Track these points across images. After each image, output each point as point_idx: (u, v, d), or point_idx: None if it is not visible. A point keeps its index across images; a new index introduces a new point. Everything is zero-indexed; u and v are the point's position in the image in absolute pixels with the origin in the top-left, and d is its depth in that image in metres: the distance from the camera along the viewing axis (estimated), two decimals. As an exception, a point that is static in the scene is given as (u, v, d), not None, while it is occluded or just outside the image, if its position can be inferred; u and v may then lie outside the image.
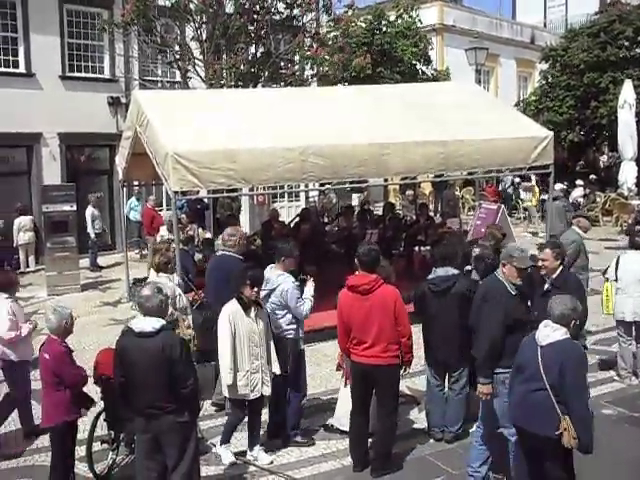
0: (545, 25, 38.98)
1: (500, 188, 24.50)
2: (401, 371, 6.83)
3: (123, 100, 18.90)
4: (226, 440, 7.11)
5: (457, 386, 7.35)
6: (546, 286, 7.11)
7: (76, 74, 18.82)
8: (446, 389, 7.46)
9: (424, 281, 7.47)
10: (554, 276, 7.09)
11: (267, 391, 6.93)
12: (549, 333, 5.26)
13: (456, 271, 7.31)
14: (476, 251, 8.38)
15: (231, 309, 6.82)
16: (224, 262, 8.52)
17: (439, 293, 7.20)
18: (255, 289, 6.86)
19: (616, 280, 8.90)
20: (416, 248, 14.60)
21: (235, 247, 8.73)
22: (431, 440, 7.43)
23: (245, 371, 6.71)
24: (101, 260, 17.57)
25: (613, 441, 7.18)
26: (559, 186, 19.60)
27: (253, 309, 6.85)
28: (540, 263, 7.17)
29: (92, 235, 16.87)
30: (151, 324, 5.47)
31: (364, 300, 6.59)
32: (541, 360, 5.18)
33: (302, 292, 7.44)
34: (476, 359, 6.39)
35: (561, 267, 7.16)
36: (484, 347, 6.13)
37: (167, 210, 17.48)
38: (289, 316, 7.29)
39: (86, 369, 6.82)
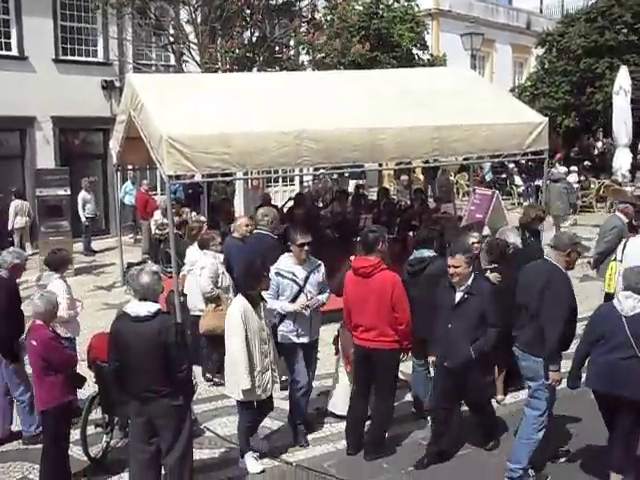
0: (541, 11, 38.83)
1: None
2: (401, 356, 6.86)
3: (117, 84, 18.79)
4: (246, 448, 6.72)
5: None
6: (458, 296, 6.46)
7: (69, 57, 18.68)
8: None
9: (406, 264, 7.63)
10: (468, 283, 6.44)
11: (277, 389, 6.77)
12: (635, 304, 5.74)
13: (432, 253, 7.46)
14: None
15: (241, 306, 6.39)
16: (260, 241, 8.66)
17: (414, 274, 7.37)
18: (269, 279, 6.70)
19: (621, 261, 8.92)
20: (410, 233, 14.58)
21: (268, 226, 9.00)
22: (424, 424, 7.47)
23: (257, 371, 6.39)
24: (95, 244, 17.56)
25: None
26: (562, 169, 19.69)
27: (262, 304, 6.63)
28: (451, 270, 6.40)
29: (83, 219, 16.82)
30: (146, 308, 5.48)
31: (364, 283, 6.65)
32: (629, 330, 5.67)
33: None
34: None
35: (473, 274, 6.54)
36: (556, 335, 6.05)
37: (161, 194, 17.43)
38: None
39: (79, 353, 6.85)
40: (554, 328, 6.05)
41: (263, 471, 6.61)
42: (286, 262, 7.13)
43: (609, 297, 9.05)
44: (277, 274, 6.98)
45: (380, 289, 6.58)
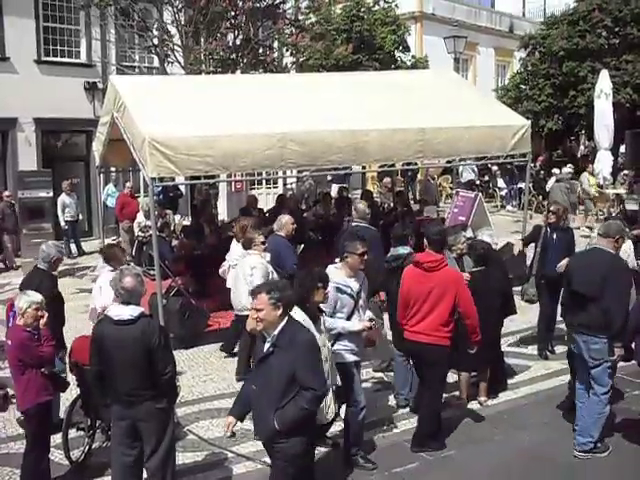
0: (524, 14, 39.08)
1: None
2: (470, 350, 6.99)
3: (100, 85, 18.74)
4: None
5: None
6: (266, 346, 5.05)
7: (52, 58, 18.61)
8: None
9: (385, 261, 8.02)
10: (275, 333, 4.97)
11: (337, 409, 6.01)
12: None
13: (407, 250, 7.81)
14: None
15: (303, 320, 5.42)
16: (361, 232, 8.70)
17: (392, 270, 7.72)
18: (326, 291, 5.97)
19: None
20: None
21: (367, 219, 9.77)
22: (407, 426, 7.49)
23: None
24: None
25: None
26: (566, 170, 19.91)
27: (321, 318, 5.96)
28: (254, 315, 5.03)
29: (62, 223, 16.68)
30: (129, 312, 5.45)
31: (427, 277, 6.81)
32: None
33: None
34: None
35: (285, 320, 5.03)
36: (622, 314, 6.50)
37: (144, 196, 17.37)
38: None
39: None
40: (620, 308, 6.49)
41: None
42: (339, 275, 6.59)
43: None
44: (337, 289, 6.44)
45: (443, 284, 6.75)
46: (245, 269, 8.58)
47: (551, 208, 9.97)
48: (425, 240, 7.12)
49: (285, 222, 9.62)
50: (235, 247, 9.76)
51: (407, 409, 7.89)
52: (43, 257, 7.51)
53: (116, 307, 5.61)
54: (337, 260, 7.02)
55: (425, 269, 6.83)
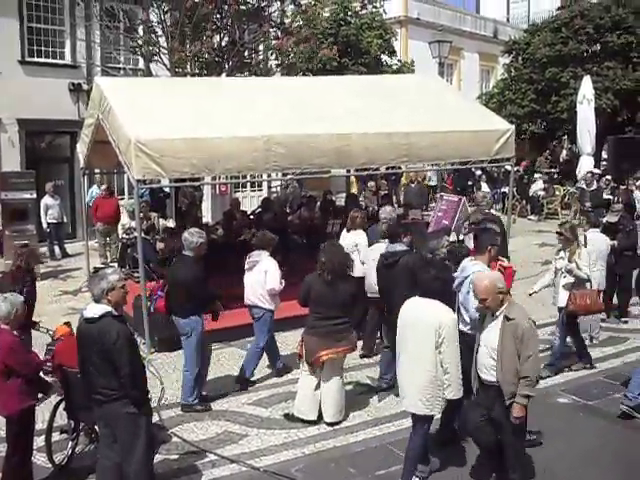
0: (508, 20, 39.34)
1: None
2: None
3: (85, 87, 18.62)
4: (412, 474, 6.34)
5: None
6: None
7: (36, 59, 18.47)
8: None
9: (381, 256, 8.29)
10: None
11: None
12: None
13: (403, 247, 8.12)
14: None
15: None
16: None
17: (388, 265, 8.02)
18: None
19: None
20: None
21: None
22: (391, 429, 7.53)
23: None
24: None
25: (567, 430, 7.37)
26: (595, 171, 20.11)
27: None
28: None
29: (44, 225, 16.56)
30: (94, 310, 5.48)
31: None
32: None
33: None
34: None
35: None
36: None
37: (129, 199, 17.30)
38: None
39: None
40: None
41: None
42: (482, 266, 6.97)
43: None
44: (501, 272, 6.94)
45: None
46: (376, 255, 8.74)
47: None
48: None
49: (357, 217, 10.46)
50: (345, 237, 10.29)
51: (391, 411, 7.92)
52: (187, 245, 8.01)
53: (89, 305, 5.66)
54: None
55: None
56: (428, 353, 5.95)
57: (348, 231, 10.42)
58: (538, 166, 27.63)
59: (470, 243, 8.52)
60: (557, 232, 9.13)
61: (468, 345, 6.26)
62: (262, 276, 8.53)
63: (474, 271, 6.76)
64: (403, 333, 6.25)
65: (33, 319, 8.26)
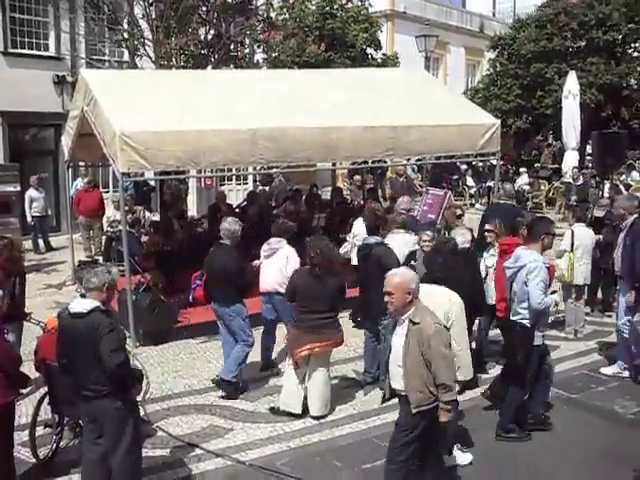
0: (494, 15, 39.42)
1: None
2: None
3: (69, 79, 18.49)
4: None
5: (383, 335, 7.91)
6: None
7: (19, 50, 18.31)
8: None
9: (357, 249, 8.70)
10: None
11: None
12: None
13: (375, 240, 8.33)
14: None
15: None
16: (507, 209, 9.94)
17: (362, 257, 8.33)
18: None
19: (572, 251, 10.05)
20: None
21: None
22: (377, 422, 7.54)
23: None
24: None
25: (552, 423, 7.41)
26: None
27: None
28: None
29: (29, 218, 16.44)
30: (82, 305, 5.42)
31: (504, 259, 7.52)
32: None
33: None
34: None
35: None
36: None
37: (114, 192, 17.21)
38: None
39: (29, 352, 6.72)
40: None
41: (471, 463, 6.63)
42: (538, 255, 6.91)
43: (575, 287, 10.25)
44: (547, 269, 6.85)
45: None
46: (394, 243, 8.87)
47: None
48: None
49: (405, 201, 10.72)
50: (358, 227, 10.31)
51: (377, 404, 7.94)
52: (226, 234, 8.31)
53: (75, 300, 5.59)
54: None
55: (504, 252, 7.63)
56: None
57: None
58: (543, 161, 27.86)
59: (461, 237, 8.48)
60: (486, 230, 9.05)
61: (520, 335, 6.72)
62: (283, 262, 8.59)
63: (531, 260, 6.74)
64: None
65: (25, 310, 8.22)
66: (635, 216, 8.73)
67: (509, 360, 7.22)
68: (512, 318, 6.83)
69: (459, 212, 10.75)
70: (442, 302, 6.30)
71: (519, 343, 6.81)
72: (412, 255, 8.82)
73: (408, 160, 13.83)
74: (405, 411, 5.49)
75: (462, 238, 8.31)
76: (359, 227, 10.28)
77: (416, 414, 5.33)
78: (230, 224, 8.40)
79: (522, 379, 6.92)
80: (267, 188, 19.75)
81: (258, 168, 11.14)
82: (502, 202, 11.52)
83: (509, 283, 7.03)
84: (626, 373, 8.67)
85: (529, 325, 6.76)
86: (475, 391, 8.09)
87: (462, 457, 6.68)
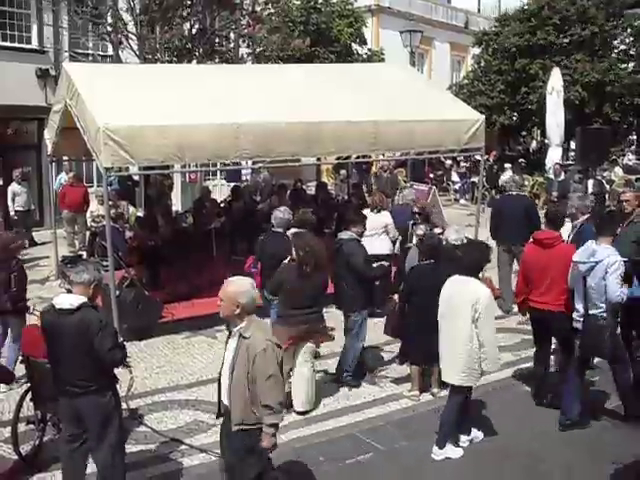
0: (479, 10, 39.51)
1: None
2: None
3: (52, 72, 18.35)
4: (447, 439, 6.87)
5: (353, 330, 8.23)
6: None
7: (1, 43, 18.13)
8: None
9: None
10: None
11: None
12: None
13: (347, 236, 8.34)
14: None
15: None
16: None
17: (336, 252, 8.38)
18: None
19: None
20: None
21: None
22: (361, 417, 7.57)
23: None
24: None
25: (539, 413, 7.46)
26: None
27: None
28: None
29: (12, 213, 16.31)
30: (69, 301, 5.38)
31: (545, 253, 7.61)
32: None
33: None
34: None
35: None
36: None
37: (98, 187, 17.10)
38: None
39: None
40: None
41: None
42: (612, 252, 7.09)
43: None
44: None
45: (560, 258, 7.45)
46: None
47: None
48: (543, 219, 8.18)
49: None
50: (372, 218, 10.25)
51: (361, 399, 7.96)
52: (279, 222, 8.97)
53: (60, 296, 5.56)
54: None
55: (544, 245, 7.64)
56: (465, 327, 6.45)
57: (372, 210, 10.72)
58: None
59: (454, 233, 8.53)
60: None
61: (603, 327, 6.97)
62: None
63: (608, 255, 6.94)
64: (443, 308, 6.75)
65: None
66: (586, 216, 8.77)
67: (594, 353, 7.50)
68: (591, 312, 7.07)
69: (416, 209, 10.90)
70: (469, 293, 6.50)
71: (606, 334, 7.05)
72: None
73: (393, 155, 13.85)
74: (227, 429, 5.18)
75: (456, 235, 8.39)
76: (386, 217, 10.75)
77: (238, 432, 5.01)
78: (282, 213, 9.05)
79: (623, 359, 7.43)
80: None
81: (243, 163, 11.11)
82: (514, 194, 11.51)
83: (580, 278, 7.15)
84: None
85: (608, 317, 7.04)
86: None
87: (455, 451, 6.85)
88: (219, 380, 5.32)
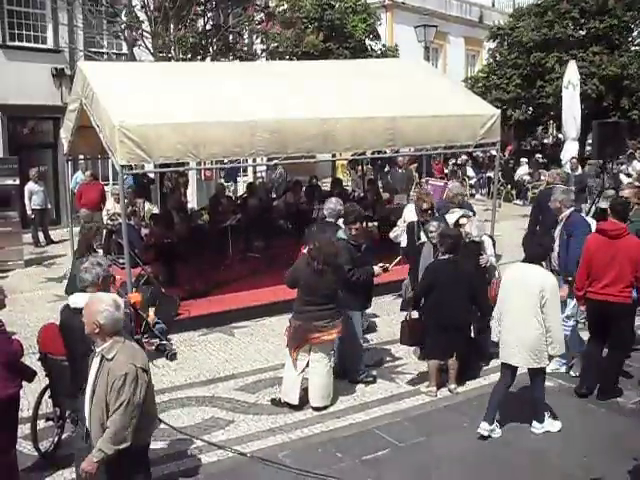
0: (493, 4, 39.26)
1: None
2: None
3: (68, 72, 18.43)
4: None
5: (351, 331, 8.11)
6: None
7: (17, 43, 18.26)
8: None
9: None
10: None
11: None
12: None
13: (343, 235, 8.26)
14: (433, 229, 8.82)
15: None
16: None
17: None
18: None
19: None
20: (363, 224, 14.63)
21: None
22: (378, 413, 7.55)
23: None
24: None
25: (561, 411, 7.41)
26: None
27: None
28: None
29: (29, 211, 16.41)
30: (84, 299, 5.37)
31: (611, 244, 7.59)
32: None
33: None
34: None
35: None
36: None
37: (113, 184, 17.16)
38: None
39: (29, 345, 6.71)
40: None
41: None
42: None
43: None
44: None
45: (627, 250, 7.52)
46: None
47: None
48: (609, 210, 8.06)
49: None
50: (409, 212, 10.63)
51: (378, 396, 7.95)
52: (331, 213, 9.00)
53: (75, 295, 5.57)
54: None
55: (610, 236, 7.63)
56: (533, 313, 6.65)
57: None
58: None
59: (476, 229, 8.53)
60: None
61: None
62: None
63: None
64: (509, 296, 6.89)
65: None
66: (571, 209, 8.72)
67: None
68: None
69: (425, 206, 9.73)
70: (536, 280, 6.69)
71: None
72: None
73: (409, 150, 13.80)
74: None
75: (477, 231, 8.38)
76: (410, 212, 10.59)
77: (99, 460, 4.66)
78: (334, 204, 9.03)
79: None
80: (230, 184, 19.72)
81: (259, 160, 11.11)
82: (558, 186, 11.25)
83: None
84: (564, 369, 8.52)
85: None
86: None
87: (553, 424, 7.12)
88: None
